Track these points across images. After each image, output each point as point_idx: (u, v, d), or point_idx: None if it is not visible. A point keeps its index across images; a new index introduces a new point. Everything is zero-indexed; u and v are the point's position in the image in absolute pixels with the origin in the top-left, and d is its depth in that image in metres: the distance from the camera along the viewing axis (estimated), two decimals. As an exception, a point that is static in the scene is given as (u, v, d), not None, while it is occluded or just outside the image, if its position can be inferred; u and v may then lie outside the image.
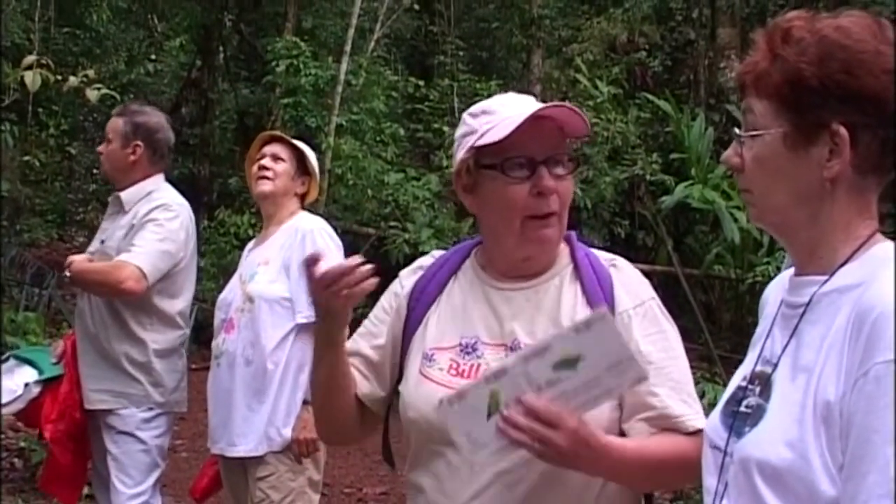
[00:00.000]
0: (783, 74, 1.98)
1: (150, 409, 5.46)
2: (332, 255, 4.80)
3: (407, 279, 3.00)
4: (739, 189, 2.14)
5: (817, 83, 1.94)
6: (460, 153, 2.81)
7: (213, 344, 5.18)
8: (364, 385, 2.93)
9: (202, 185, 18.54)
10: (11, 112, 12.22)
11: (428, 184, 13.67)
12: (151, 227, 5.40)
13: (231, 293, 5.16)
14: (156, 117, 5.79)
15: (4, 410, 5.48)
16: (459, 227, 12.67)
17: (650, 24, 17.66)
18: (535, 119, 2.68)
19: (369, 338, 2.97)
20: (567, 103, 2.81)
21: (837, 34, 1.97)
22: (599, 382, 2.45)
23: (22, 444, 8.79)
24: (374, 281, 2.68)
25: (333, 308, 2.70)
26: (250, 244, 5.48)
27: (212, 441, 5.24)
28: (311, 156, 5.36)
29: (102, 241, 5.56)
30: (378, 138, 15.54)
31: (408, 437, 2.85)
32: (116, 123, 5.64)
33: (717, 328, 13.86)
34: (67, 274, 5.39)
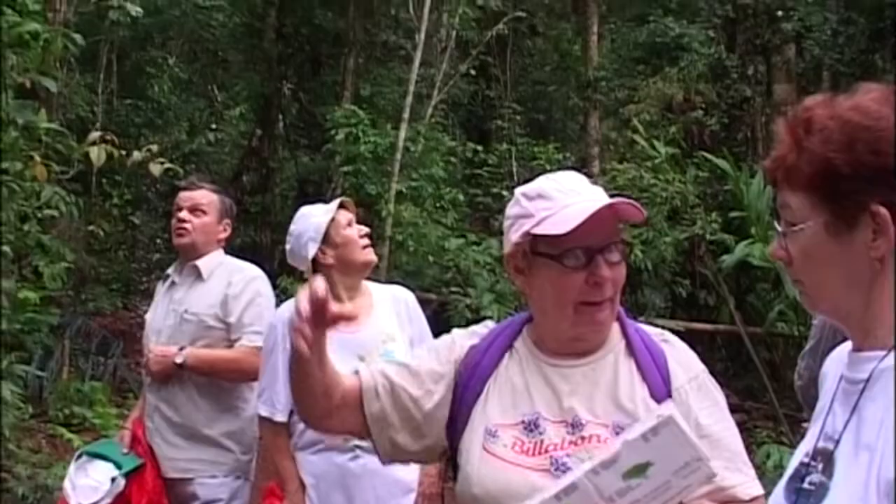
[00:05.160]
0: (812, 166, 1.96)
1: (239, 476, 5.49)
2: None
3: (462, 341, 3.00)
4: (791, 280, 2.13)
5: (848, 169, 1.92)
6: (514, 235, 2.83)
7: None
8: (374, 405, 2.89)
9: (264, 252, 18.65)
10: (76, 183, 12.39)
11: (488, 248, 13.69)
12: (264, 302, 5.48)
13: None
14: None
15: None
16: (520, 292, 12.67)
17: (706, 82, 17.64)
18: None
19: (414, 382, 2.92)
20: (624, 198, 2.81)
21: (858, 116, 1.95)
22: (669, 486, 2.45)
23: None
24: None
25: (303, 349, 2.68)
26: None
27: None
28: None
29: (186, 310, 5.52)
30: (438, 204, 15.64)
31: None
32: (212, 198, 5.68)
33: (782, 386, 13.72)
34: (179, 361, 5.36)
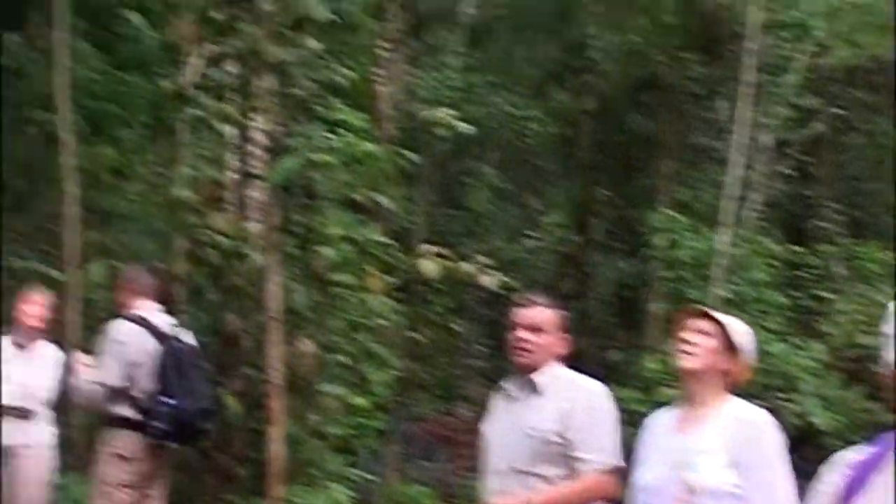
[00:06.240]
0: None
1: None
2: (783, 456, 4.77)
3: (828, 476, 2.97)
4: None
5: None
6: (889, 354, 2.79)
7: None
8: None
9: (584, 359, 18.62)
10: (400, 292, 12.83)
11: (813, 353, 13.41)
12: (608, 419, 5.53)
13: (661, 478, 4.89)
14: None
15: None
16: (848, 397, 12.33)
17: None
18: None
19: None
20: None
21: None
22: None
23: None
24: None
25: None
26: (662, 421, 5.18)
27: None
28: (740, 331, 5.07)
29: (527, 426, 5.53)
30: (760, 308, 15.40)
31: None
32: (549, 315, 5.73)
33: None
34: None
